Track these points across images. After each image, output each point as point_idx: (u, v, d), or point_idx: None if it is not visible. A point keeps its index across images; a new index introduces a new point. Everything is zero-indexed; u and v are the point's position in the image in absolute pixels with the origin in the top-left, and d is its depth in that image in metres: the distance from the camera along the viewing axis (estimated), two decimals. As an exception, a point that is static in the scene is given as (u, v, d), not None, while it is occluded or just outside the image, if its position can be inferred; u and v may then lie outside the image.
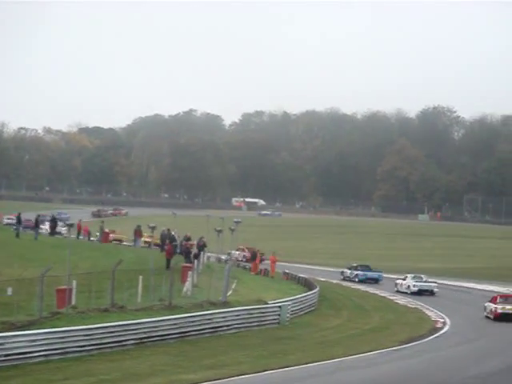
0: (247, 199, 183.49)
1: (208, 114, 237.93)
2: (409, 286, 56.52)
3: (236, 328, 35.14)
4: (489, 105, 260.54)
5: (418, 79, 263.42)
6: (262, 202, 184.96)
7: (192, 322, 32.82)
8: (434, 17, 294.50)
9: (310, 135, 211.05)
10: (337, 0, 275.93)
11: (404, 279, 57.54)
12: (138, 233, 63.51)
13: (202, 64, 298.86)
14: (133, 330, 29.90)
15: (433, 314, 44.93)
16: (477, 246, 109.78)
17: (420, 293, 55.24)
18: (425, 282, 57.12)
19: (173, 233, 56.97)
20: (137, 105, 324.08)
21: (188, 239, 53.77)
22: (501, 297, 44.52)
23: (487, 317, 43.29)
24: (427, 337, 36.01)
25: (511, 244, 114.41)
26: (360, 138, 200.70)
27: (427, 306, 48.03)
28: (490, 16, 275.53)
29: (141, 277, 37.11)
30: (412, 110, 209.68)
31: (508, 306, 42.48)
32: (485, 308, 44.17)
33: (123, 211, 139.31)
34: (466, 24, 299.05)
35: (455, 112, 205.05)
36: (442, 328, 39.28)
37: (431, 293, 55.87)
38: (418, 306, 48.26)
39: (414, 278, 57.44)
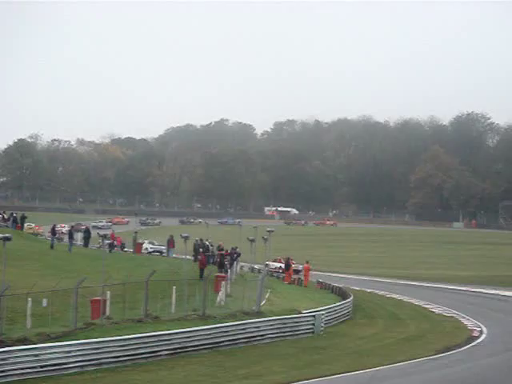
0: (280, 208, 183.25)
1: (240, 123, 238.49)
2: (146, 248, 71.48)
3: (270, 338, 34.98)
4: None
5: (451, 85, 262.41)
6: (294, 210, 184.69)
7: (225, 332, 32.72)
8: (465, 22, 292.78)
9: (342, 143, 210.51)
10: (360, 8, 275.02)
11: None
12: (171, 243, 63.56)
13: (232, 73, 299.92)
14: (167, 340, 29.88)
15: (469, 322, 44.43)
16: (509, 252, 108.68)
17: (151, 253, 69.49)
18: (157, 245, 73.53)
19: (207, 242, 56.95)
20: (169, 115, 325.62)
21: (221, 249, 53.70)
22: None
23: None
24: (463, 346, 35.60)
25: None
26: (393, 145, 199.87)
27: (463, 315, 47.54)
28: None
29: (174, 287, 37.08)
30: (445, 117, 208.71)
31: None
32: None
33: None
34: (496, 29, 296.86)
35: (489, 118, 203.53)
36: (478, 337, 38.81)
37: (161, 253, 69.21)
38: (454, 315, 47.78)
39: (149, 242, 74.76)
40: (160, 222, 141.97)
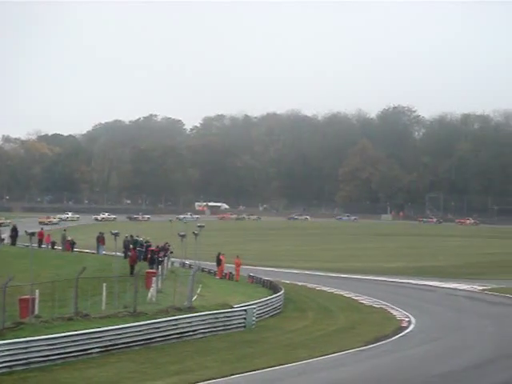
0: (210, 203, 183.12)
1: (169, 118, 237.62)
2: None
3: (202, 333, 34.97)
4: (448, 104, 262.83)
5: (378, 79, 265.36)
6: (225, 205, 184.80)
7: (157, 328, 32.60)
8: (389, 17, 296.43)
9: (272, 138, 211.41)
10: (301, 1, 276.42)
11: None
12: (100, 240, 62.98)
13: (160, 68, 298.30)
14: (97, 338, 29.63)
15: (398, 313, 45.05)
16: (440, 244, 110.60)
17: None
18: None
19: (141, 239, 56.58)
20: (96, 111, 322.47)
21: (149, 245, 53.43)
22: None
23: None
24: (393, 336, 36.08)
25: (473, 242, 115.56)
26: (321, 139, 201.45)
27: (392, 306, 48.15)
28: (452, 16, 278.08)
29: (104, 284, 36.75)
30: (373, 110, 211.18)
31: None
32: None
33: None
34: (421, 25, 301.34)
35: (415, 111, 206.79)
36: (407, 327, 39.38)
37: None
38: (383, 306, 48.37)
39: None
40: (115, 218, 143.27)
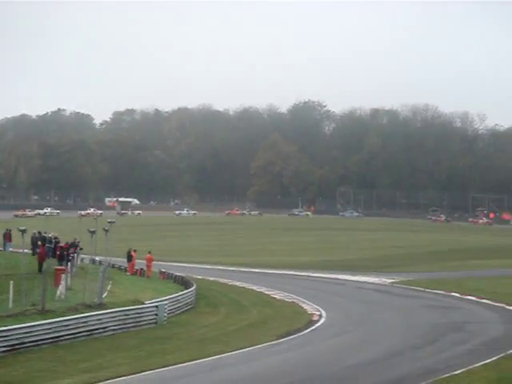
0: (120, 199, 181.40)
1: (77, 113, 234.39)
2: None
3: (112, 330, 34.56)
4: (358, 99, 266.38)
5: (289, 73, 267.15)
6: (135, 201, 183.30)
7: (66, 325, 32.06)
8: (296, 14, 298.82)
9: (183, 132, 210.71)
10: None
11: None
12: (7, 236, 61.58)
13: (68, 62, 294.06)
14: (4, 336, 28.97)
15: (309, 307, 45.40)
16: (350, 238, 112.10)
17: None
18: None
19: (50, 235, 55.56)
20: (1, 105, 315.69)
21: (57, 242, 52.51)
22: None
23: None
24: (304, 330, 36.34)
25: (383, 235, 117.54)
26: (233, 134, 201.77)
27: (303, 300, 48.51)
28: (357, 11, 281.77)
29: (11, 282, 35.98)
30: (284, 105, 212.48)
31: None
32: None
33: None
34: (330, 21, 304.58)
35: (325, 106, 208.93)
36: (318, 321, 39.73)
37: None
38: (295, 300, 48.69)
39: None
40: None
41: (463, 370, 25.65)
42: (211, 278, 62.71)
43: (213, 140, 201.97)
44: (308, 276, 66.36)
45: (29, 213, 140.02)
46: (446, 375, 24.69)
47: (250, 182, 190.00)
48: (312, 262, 79.30)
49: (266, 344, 31.90)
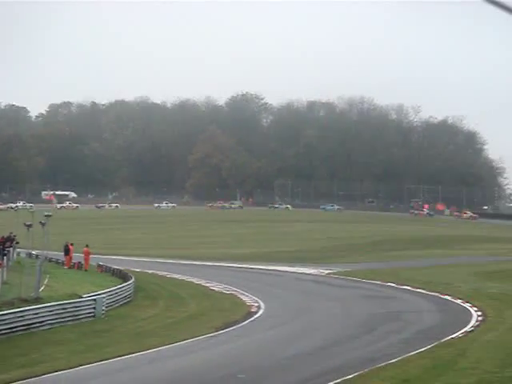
0: (57, 192, 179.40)
1: (12, 105, 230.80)
2: None
3: (50, 324, 34.24)
4: (295, 91, 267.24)
5: (226, 66, 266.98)
6: (73, 194, 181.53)
7: (2, 320, 31.67)
8: (233, 9, 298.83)
9: (120, 125, 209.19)
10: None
11: None
12: None
13: (3, 53, 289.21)
14: None
15: (248, 298, 45.59)
16: (288, 229, 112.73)
17: None
18: None
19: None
20: None
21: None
22: None
23: None
24: (242, 322, 36.49)
25: (320, 226, 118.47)
26: (171, 126, 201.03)
27: (242, 291, 48.68)
28: (291, 7, 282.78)
29: None
30: (221, 97, 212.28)
31: None
32: None
33: None
34: (266, 15, 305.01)
35: (263, 99, 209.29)
36: (256, 312, 39.93)
37: None
38: (234, 292, 48.84)
39: None
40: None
41: (399, 358, 26.06)
42: (150, 271, 62.52)
43: (151, 133, 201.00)
44: (247, 268, 66.61)
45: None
46: (383, 364, 25.05)
47: (189, 174, 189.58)
48: (251, 253, 79.59)
49: (204, 336, 31.97)
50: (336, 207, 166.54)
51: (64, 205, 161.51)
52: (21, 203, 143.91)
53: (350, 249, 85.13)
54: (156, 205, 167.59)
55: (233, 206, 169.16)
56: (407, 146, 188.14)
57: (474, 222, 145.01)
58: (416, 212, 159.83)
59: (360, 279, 56.42)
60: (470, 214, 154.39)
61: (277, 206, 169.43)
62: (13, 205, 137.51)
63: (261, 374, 24.21)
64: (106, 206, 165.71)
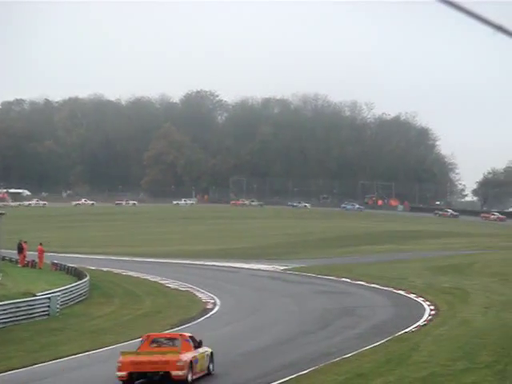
0: (11, 190, 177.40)
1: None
2: None
3: (3, 323, 34.00)
4: (250, 88, 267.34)
5: (181, 63, 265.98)
6: (26, 192, 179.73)
7: (-45, 320, 31.43)
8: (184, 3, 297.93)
9: (75, 122, 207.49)
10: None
11: None
12: None
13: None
14: None
15: (203, 295, 45.68)
16: (244, 226, 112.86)
17: None
18: None
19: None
20: None
21: None
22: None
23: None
24: (198, 318, 36.59)
25: (275, 223, 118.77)
26: (125, 123, 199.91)
27: (198, 288, 48.76)
28: (246, 4, 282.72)
29: None
30: (176, 94, 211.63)
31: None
32: None
33: None
34: (221, 10, 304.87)
35: (218, 96, 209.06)
36: (212, 309, 40.05)
37: None
38: (189, 289, 48.88)
39: None
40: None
41: (354, 353, 26.35)
42: (105, 269, 62.24)
43: (105, 130, 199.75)
44: (203, 265, 66.67)
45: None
46: (338, 359, 25.32)
47: (144, 171, 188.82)
48: (207, 250, 79.66)
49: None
50: (357, 206, 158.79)
51: (79, 202, 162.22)
52: None
53: (306, 245, 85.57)
54: (175, 202, 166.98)
55: (253, 203, 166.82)
56: (361, 142, 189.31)
57: (500, 223, 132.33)
58: (440, 212, 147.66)
59: (315, 275, 56.79)
60: (497, 215, 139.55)
61: (295, 204, 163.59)
62: None
63: (216, 370, 24.31)
64: (124, 203, 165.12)
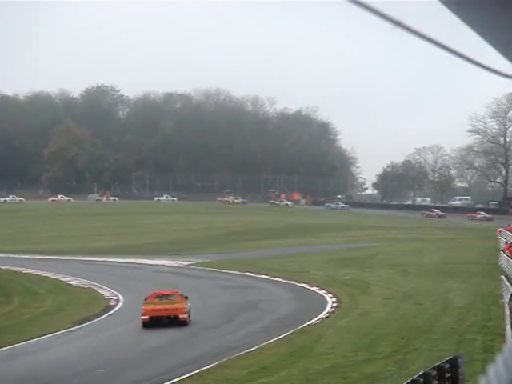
0: None
1: None
2: None
3: None
4: (151, 83, 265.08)
5: (80, 58, 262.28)
6: None
7: None
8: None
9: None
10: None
11: None
12: None
13: None
14: None
15: (106, 292, 45.22)
16: (147, 222, 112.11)
17: None
18: None
19: None
20: None
21: None
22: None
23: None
24: (101, 315, 36.21)
25: (179, 218, 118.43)
26: (24, 119, 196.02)
27: (100, 285, 48.21)
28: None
29: None
30: (76, 89, 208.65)
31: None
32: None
33: None
34: (121, 4, 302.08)
35: (119, 91, 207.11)
36: (115, 305, 39.69)
37: None
38: (92, 286, 48.30)
39: None
40: None
41: (258, 346, 26.52)
42: (4, 267, 60.89)
43: (3, 125, 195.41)
44: (105, 261, 65.93)
45: None
46: (242, 353, 25.44)
47: (44, 167, 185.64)
48: (110, 246, 78.80)
49: (62, 331, 31.57)
50: (341, 205, 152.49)
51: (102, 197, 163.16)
52: None
53: (210, 240, 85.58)
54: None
55: (236, 201, 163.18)
56: (263, 137, 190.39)
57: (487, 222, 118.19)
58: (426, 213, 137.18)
59: (219, 270, 56.85)
60: (483, 214, 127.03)
61: (277, 202, 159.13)
62: None
63: (120, 367, 24.16)
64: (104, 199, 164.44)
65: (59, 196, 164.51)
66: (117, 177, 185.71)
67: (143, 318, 32.09)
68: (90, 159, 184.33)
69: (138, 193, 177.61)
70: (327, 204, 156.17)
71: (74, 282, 51.24)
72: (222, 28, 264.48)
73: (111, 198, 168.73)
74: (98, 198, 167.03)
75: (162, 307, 32.40)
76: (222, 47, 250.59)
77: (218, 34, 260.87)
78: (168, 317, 32.12)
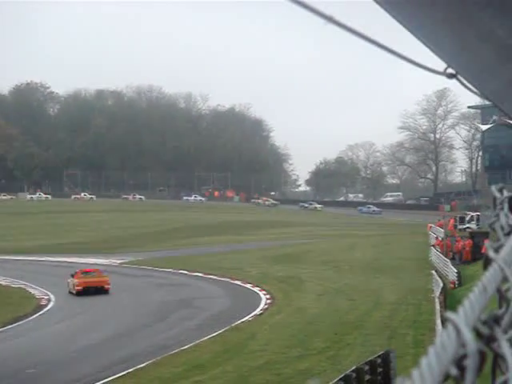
0: None
1: None
2: None
3: None
4: (81, 80, 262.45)
5: (8, 55, 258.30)
6: None
7: None
8: None
9: None
10: None
11: None
12: None
13: None
14: None
15: (37, 291, 44.61)
16: (80, 220, 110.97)
17: None
18: None
19: None
20: None
21: None
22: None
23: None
24: (32, 315, 35.69)
25: (112, 216, 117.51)
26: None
27: (31, 285, 47.53)
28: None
29: None
30: (5, 87, 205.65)
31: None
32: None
33: None
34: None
35: (49, 88, 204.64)
36: (47, 305, 39.17)
37: None
38: (22, 286, 47.58)
39: None
40: None
41: (192, 344, 26.45)
42: None
43: None
44: (36, 260, 65.01)
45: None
46: (176, 350, 25.34)
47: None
48: (41, 245, 77.71)
49: (-8, 332, 31.02)
50: (372, 209, 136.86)
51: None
52: None
53: (143, 238, 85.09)
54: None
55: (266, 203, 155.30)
56: (197, 134, 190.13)
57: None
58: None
59: (152, 268, 56.55)
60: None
61: (307, 205, 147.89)
62: None
63: (51, 367, 23.84)
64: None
65: None
66: (48, 175, 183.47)
67: (78, 288, 42.37)
68: (20, 157, 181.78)
69: (69, 191, 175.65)
70: (359, 208, 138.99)
71: (3, 281, 50.39)
72: (154, 24, 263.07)
73: (43, 195, 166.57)
74: (35, 195, 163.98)
75: (91, 280, 43.12)
76: (154, 43, 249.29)
77: (150, 30, 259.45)
78: (96, 287, 42.40)
